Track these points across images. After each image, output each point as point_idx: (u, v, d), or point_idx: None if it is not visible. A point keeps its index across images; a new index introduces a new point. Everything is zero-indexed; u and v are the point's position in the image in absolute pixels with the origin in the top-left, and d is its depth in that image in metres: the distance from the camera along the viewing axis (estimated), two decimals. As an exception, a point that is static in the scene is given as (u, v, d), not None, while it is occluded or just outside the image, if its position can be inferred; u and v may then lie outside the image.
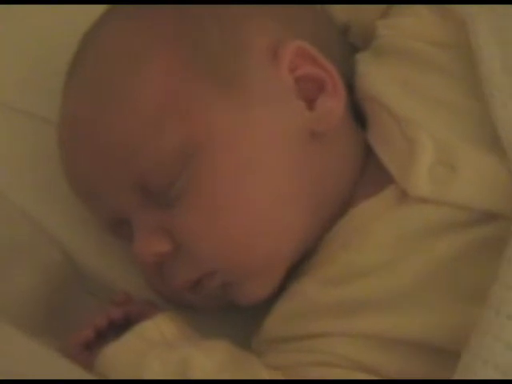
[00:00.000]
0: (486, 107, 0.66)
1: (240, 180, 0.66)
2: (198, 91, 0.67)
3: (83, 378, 0.62)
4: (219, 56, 0.68)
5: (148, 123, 0.67)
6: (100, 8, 0.74)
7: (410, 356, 0.64)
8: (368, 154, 0.72)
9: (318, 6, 0.77)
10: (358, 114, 0.74)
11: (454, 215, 0.65)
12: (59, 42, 0.78)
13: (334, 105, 0.70)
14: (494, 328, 0.58)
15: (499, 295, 0.59)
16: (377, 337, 0.65)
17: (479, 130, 0.67)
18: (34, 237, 0.76)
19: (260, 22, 0.70)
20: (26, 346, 0.62)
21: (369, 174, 0.71)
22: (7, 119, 0.81)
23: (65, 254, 0.77)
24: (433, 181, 0.66)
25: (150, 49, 0.69)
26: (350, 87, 0.73)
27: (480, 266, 0.63)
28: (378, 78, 0.72)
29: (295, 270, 0.72)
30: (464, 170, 0.65)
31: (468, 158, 0.66)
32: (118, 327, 0.71)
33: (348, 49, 0.77)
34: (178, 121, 0.66)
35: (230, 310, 0.73)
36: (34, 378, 0.58)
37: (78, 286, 0.77)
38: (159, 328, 0.69)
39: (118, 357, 0.67)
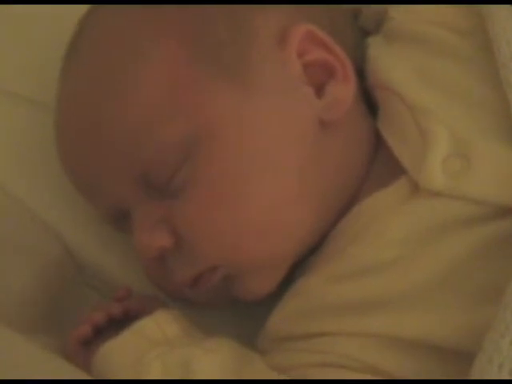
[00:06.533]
0: (504, 96, 0.64)
1: (242, 173, 0.65)
2: (201, 82, 0.65)
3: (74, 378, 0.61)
4: (224, 45, 0.66)
5: (151, 114, 0.65)
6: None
7: (423, 358, 0.62)
8: (378, 144, 0.70)
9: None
10: (369, 102, 0.72)
11: (468, 210, 0.63)
12: (61, 30, 0.75)
13: (343, 92, 0.68)
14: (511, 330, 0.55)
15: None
16: (388, 337, 0.62)
17: (496, 120, 0.64)
18: (34, 231, 0.75)
19: (267, 9, 0.68)
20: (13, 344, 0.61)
21: (378, 165, 0.69)
22: (6, 107, 0.79)
23: (65, 248, 0.75)
24: (446, 174, 0.64)
25: (153, 39, 0.67)
26: (361, 73, 0.71)
27: (496, 263, 0.61)
28: (390, 63, 0.70)
29: (301, 264, 0.69)
30: (480, 162, 0.63)
31: (484, 150, 0.63)
32: (119, 323, 0.69)
33: (360, 34, 0.75)
34: (182, 111, 0.65)
35: (235, 306, 0.72)
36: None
37: (79, 280, 0.76)
38: (159, 325, 0.67)
39: (115, 355, 0.66)
